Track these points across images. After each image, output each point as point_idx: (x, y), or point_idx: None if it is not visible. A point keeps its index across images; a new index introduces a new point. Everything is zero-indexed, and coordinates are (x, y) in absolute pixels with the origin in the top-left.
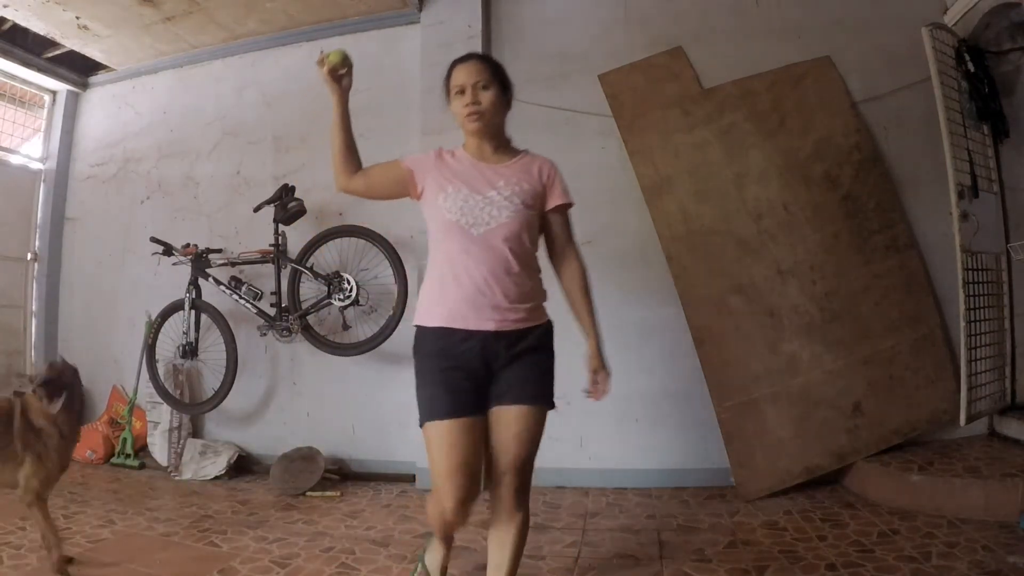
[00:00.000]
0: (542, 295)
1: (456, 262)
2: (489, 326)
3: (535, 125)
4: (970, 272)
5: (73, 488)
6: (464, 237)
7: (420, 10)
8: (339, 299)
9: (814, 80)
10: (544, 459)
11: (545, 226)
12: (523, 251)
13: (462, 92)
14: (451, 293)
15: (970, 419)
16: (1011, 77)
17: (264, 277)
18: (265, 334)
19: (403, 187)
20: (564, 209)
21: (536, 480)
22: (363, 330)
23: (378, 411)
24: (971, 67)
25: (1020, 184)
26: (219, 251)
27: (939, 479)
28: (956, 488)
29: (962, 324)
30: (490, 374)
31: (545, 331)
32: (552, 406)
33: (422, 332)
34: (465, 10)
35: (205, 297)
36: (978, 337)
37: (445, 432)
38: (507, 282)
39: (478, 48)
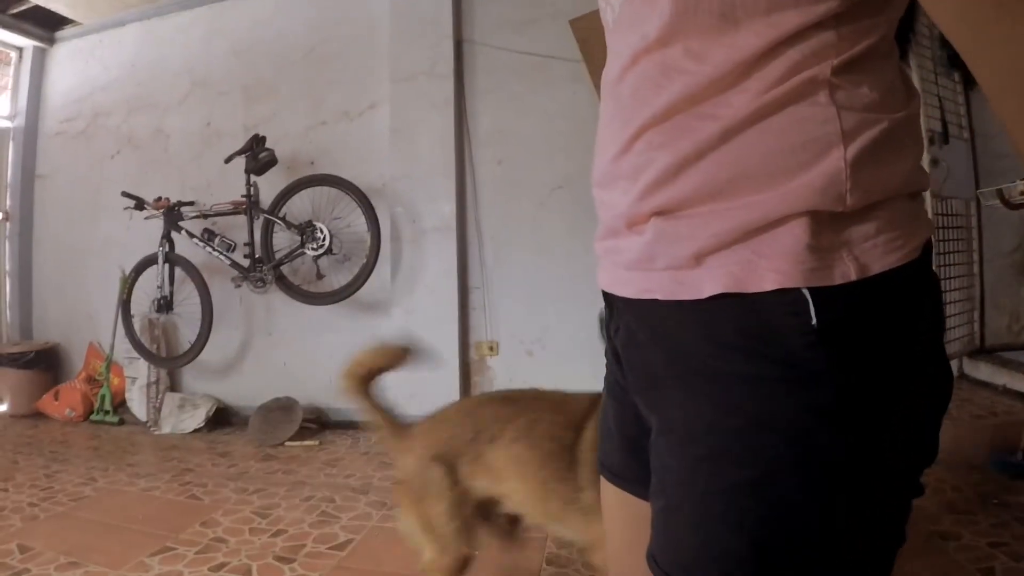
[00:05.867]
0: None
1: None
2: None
3: (505, 70)
4: (940, 217)
5: (54, 447)
6: None
7: None
8: (312, 248)
9: None
10: None
11: None
12: None
13: None
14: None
15: None
16: None
17: (237, 228)
18: (239, 285)
19: None
20: None
21: None
22: (337, 279)
23: None
24: None
25: (990, 131)
26: (191, 204)
27: None
28: None
29: None
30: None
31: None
32: None
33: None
34: None
35: (178, 250)
36: (948, 281)
37: None
38: None
39: None
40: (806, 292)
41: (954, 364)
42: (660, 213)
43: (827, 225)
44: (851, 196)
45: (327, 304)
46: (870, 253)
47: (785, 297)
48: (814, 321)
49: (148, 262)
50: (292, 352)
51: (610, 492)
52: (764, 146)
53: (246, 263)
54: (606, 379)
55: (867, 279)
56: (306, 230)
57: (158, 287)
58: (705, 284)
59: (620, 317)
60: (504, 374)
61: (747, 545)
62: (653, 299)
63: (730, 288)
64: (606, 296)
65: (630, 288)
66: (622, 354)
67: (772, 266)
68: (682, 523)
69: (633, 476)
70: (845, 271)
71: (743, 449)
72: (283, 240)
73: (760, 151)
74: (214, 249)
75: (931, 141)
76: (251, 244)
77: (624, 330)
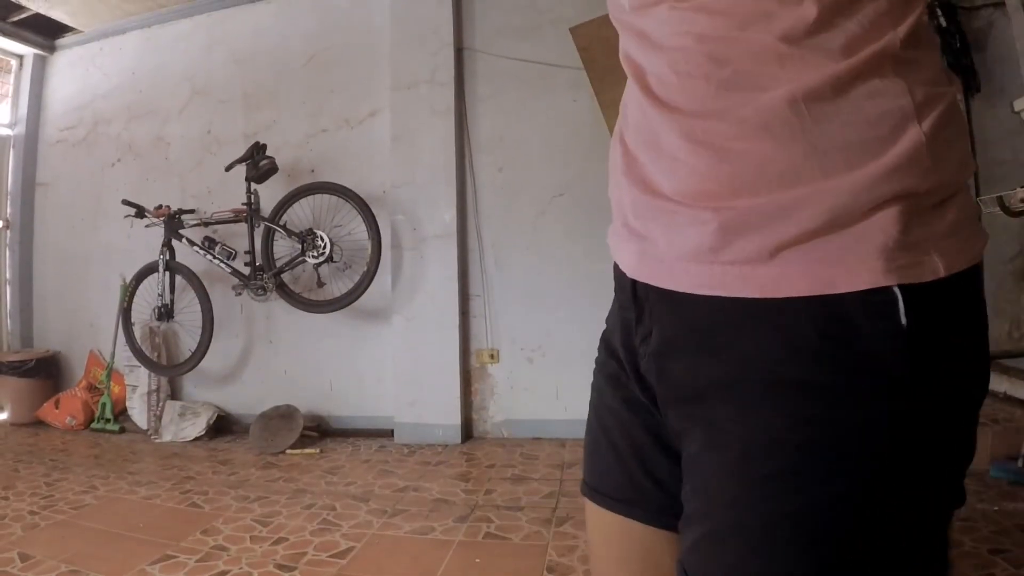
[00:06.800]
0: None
1: None
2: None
3: (506, 77)
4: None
5: (54, 455)
6: None
7: None
8: (313, 256)
9: None
10: (521, 411)
11: None
12: None
13: None
14: None
15: None
16: (983, 32)
17: (238, 236)
18: (240, 293)
19: None
20: None
21: (513, 431)
22: (338, 286)
23: (355, 367)
24: (943, 22)
25: (990, 138)
26: (192, 211)
27: None
28: None
29: None
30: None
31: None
32: None
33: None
34: None
35: (179, 258)
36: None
37: None
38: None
39: (448, 2)
40: (897, 291)
41: None
42: (722, 194)
43: (915, 217)
44: (933, 173)
45: (328, 312)
46: (952, 249)
47: (874, 297)
48: (904, 322)
49: (149, 270)
50: (293, 360)
51: (603, 521)
52: (839, 120)
53: (247, 271)
54: (601, 389)
55: (952, 276)
56: (307, 238)
57: (159, 295)
58: (783, 281)
59: (653, 319)
60: (505, 381)
61: (816, 569)
62: (713, 296)
63: (816, 290)
64: (633, 290)
65: (683, 280)
66: (652, 364)
67: (863, 263)
68: (738, 548)
69: (633, 497)
70: (935, 267)
71: (815, 465)
72: (284, 248)
73: (835, 125)
74: (215, 257)
75: None
76: (252, 252)
77: (658, 336)
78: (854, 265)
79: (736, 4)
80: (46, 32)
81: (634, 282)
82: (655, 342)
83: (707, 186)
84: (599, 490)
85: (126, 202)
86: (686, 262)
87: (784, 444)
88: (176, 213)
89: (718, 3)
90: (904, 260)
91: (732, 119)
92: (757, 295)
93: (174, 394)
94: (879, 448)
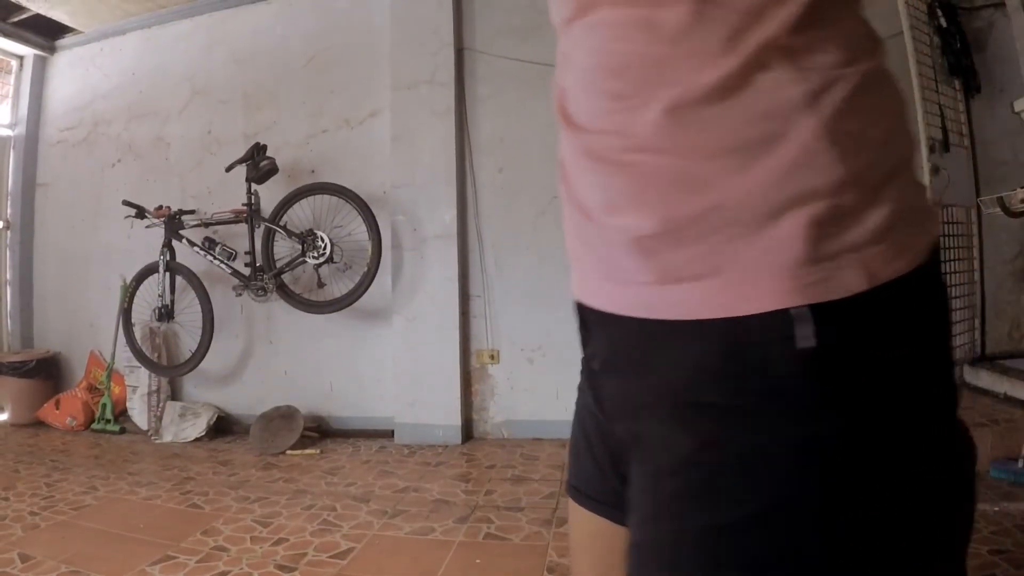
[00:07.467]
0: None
1: None
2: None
3: (506, 78)
4: (941, 225)
5: (55, 456)
6: None
7: None
8: (313, 257)
9: None
10: (521, 411)
11: None
12: None
13: None
14: None
15: None
16: (983, 33)
17: (238, 237)
18: (240, 294)
19: None
20: None
21: (513, 432)
22: (338, 287)
23: (355, 367)
24: (943, 22)
25: (990, 139)
26: (192, 212)
27: None
28: None
29: None
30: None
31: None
32: None
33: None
34: None
35: (179, 259)
36: (948, 289)
37: None
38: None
39: (448, 3)
40: (803, 310)
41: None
42: (623, 209)
43: (827, 226)
44: (841, 165)
45: (328, 312)
46: (879, 257)
47: (774, 319)
48: (811, 344)
49: (149, 271)
50: (293, 360)
51: (584, 520)
52: (724, 123)
53: (247, 272)
54: (584, 389)
55: (872, 289)
56: (307, 238)
57: (159, 296)
58: (693, 303)
59: (593, 339)
60: (505, 382)
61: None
62: (636, 317)
63: (723, 311)
64: (579, 309)
65: (606, 302)
66: (596, 381)
67: (768, 282)
68: (651, 562)
69: (611, 499)
70: (849, 282)
71: (719, 488)
72: (284, 249)
73: (720, 129)
74: (215, 258)
75: (932, 149)
76: (252, 253)
77: (597, 355)
78: (759, 284)
79: (621, 14)
80: (46, 33)
81: (580, 302)
82: (597, 361)
83: (610, 201)
84: (582, 491)
85: (126, 202)
86: (610, 283)
87: (689, 464)
88: (176, 213)
89: (611, 14)
90: (813, 277)
91: (622, 132)
92: (672, 317)
93: (174, 395)
94: (786, 473)
